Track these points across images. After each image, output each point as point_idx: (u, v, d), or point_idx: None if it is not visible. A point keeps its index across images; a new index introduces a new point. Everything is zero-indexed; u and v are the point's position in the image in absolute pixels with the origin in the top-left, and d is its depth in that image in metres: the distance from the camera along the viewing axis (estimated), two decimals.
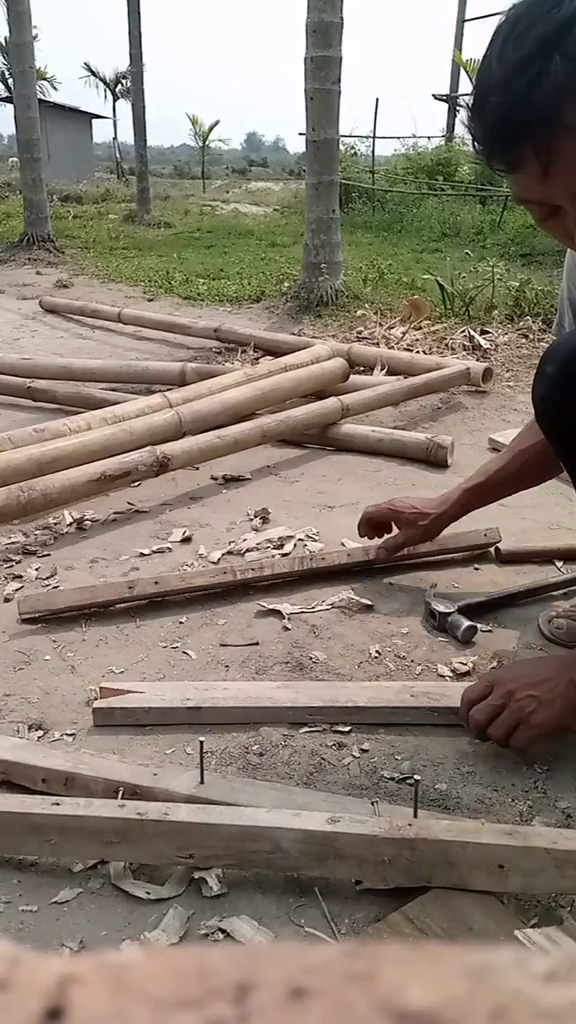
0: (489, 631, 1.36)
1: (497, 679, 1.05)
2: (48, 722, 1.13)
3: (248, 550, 1.65)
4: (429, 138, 12.70)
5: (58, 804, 0.87)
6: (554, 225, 0.89)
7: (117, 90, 29.59)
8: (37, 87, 8.42)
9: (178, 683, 1.21)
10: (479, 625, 1.34)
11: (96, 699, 1.14)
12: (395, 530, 1.51)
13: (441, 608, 1.36)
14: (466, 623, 1.32)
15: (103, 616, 1.41)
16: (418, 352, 3.23)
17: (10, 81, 10.07)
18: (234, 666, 1.27)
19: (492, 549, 1.61)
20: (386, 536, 1.52)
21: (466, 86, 11.54)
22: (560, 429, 1.08)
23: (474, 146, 0.86)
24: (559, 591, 1.47)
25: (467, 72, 11.31)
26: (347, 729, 1.10)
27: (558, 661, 1.08)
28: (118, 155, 26.82)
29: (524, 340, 3.54)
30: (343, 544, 1.68)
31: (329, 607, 1.43)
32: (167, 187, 17.98)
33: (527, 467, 1.33)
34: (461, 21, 14.09)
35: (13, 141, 10.34)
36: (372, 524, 1.51)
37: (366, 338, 3.56)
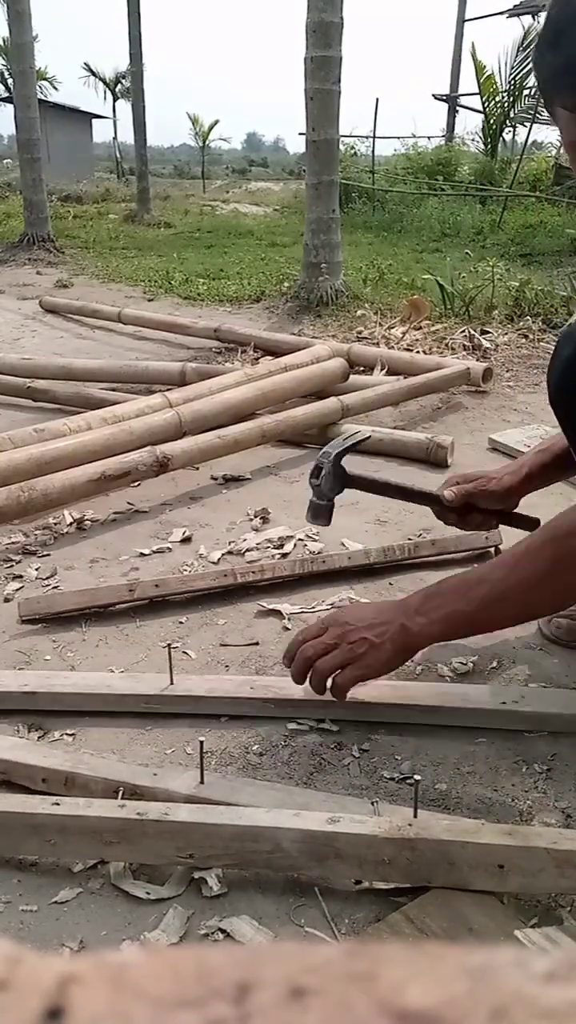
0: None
1: (333, 619, 1.05)
2: (48, 722, 1.13)
3: (248, 550, 1.65)
4: (429, 138, 12.72)
5: (58, 804, 0.87)
6: None
7: (117, 90, 29.59)
8: (37, 87, 8.42)
9: (20, 672, 1.23)
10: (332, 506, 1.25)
11: None
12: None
13: (330, 450, 1.24)
14: (316, 503, 1.23)
15: (103, 616, 1.41)
16: (418, 352, 3.23)
17: (10, 81, 10.07)
18: (234, 666, 1.27)
19: (492, 550, 1.61)
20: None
21: (466, 86, 11.56)
22: (573, 411, 1.08)
23: (539, 80, 0.88)
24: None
25: (478, 74, 11.25)
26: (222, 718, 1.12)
27: (394, 605, 1.06)
28: (118, 155, 26.81)
29: (524, 340, 3.54)
30: (343, 544, 1.68)
31: (329, 607, 1.43)
32: (167, 187, 17.98)
33: None
34: (461, 21, 14.10)
35: (13, 141, 10.34)
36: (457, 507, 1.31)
37: (366, 338, 3.56)
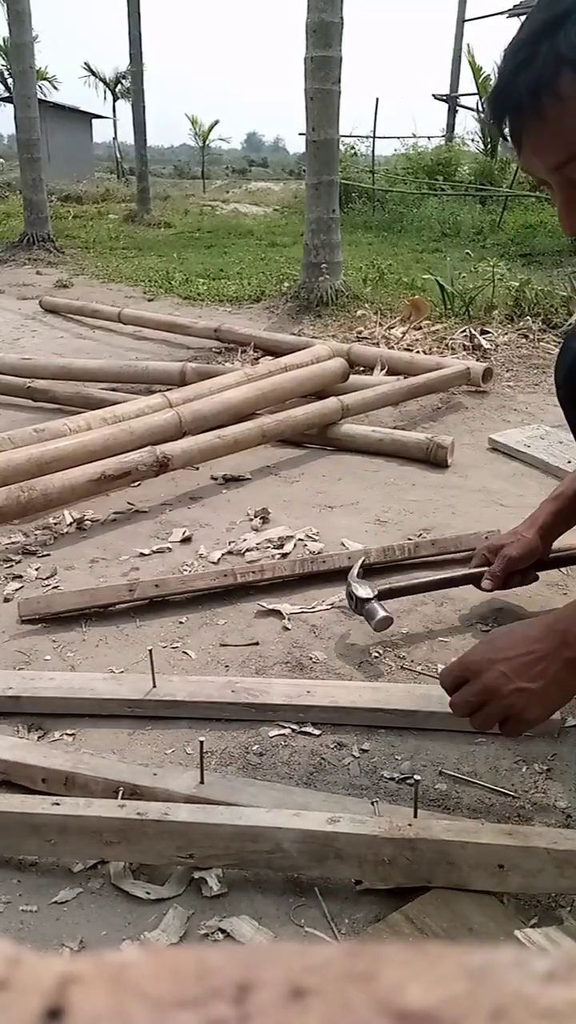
0: (487, 630, 1.35)
1: (473, 668, 0.89)
2: (47, 723, 1.13)
3: (248, 550, 1.65)
4: (429, 138, 12.71)
5: (58, 804, 0.87)
6: (551, 196, 0.91)
7: (117, 90, 29.57)
8: (37, 87, 8.42)
9: (5, 673, 1.23)
10: (394, 616, 1.30)
11: None
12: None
13: (361, 593, 1.30)
14: (381, 614, 1.26)
15: (103, 616, 1.41)
16: (418, 352, 3.23)
17: (10, 81, 10.07)
18: (234, 666, 1.27)
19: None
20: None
21: (465, 86, 11.56)
22: None
23: (479, 109, 0.92)
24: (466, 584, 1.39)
25: (475, 74, 11.28)
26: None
27: (546, 633, 0.88)
28: (118, 155, 26.81)
29: (524, 340, 3.54)
30: (343, 544, 1.68)
31: (329, 607, 1.43)
32: (167, 187, 17.98)
33: None
34: (461, 21, 14.11)
35: (13, 141, 10.34)
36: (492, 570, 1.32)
37: (366, 338, 3.56)
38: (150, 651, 1.13)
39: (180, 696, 1.12)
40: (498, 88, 0.85)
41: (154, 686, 1.13)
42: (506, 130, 0.87)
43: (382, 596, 1.31)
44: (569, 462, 2.07)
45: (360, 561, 1.44)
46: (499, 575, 1.30)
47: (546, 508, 1.33)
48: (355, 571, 1.38)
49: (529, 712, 0.86)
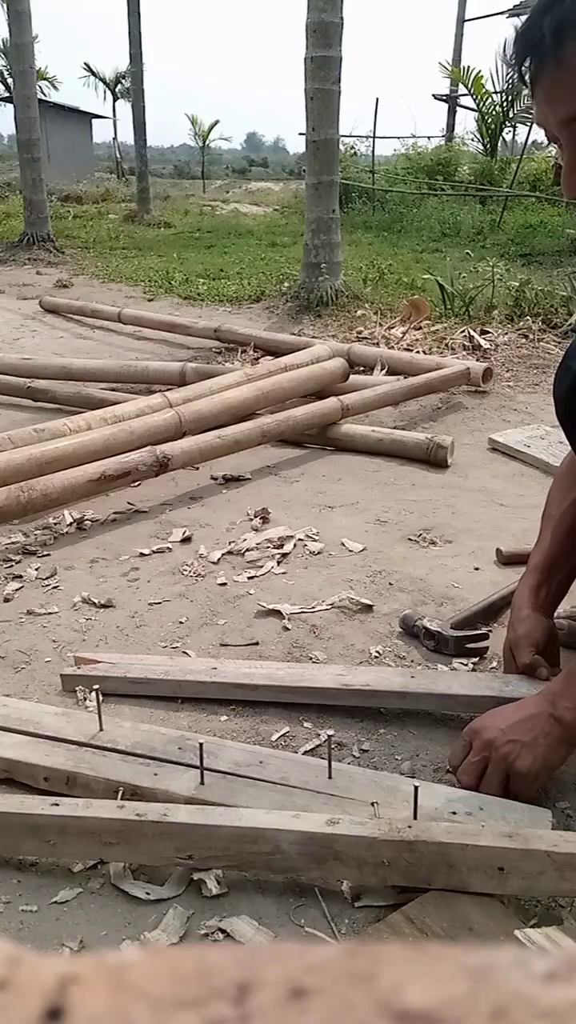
0: (489, 631, 1.35)
1: (475, 733, 0.99)
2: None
3: (248, 550, 1.65)
4: (429, 138, 12.71)
5: (57, 805, 0.87)
6: (560, 155, 0.90)
7: (117, 90, 29.57)
8: (37, 87, 8.42)
9: (152, 656, 1.24)
10: (471, 631, 1.33)
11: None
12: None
13: (435, 627, 1.32)
14: (455, 634, 1.31)
15: (103, 615, 1.41)
16: (418, 352, 3.23)
17: (10, 81, 10.07)
18: None
19: (494, 551, 1.61)
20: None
21: (465, 87, 11.54)
22: None
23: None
24: None
25: (462, 83, 11.33)
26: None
27: (534, 699, 1.00)
28: (118, 155, 26.81)
29: (524, 340, 3.54)
30: (343, 544, 1.68)
31: (329, 607, 1.43)
32: (167, 187, 17.98)
33: None
34: (461, 21, 14.10)
35: (13, 141, 10.34)
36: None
37: (366, 338, 3.56)
38: (96, 691, 1.05)
39: (123, 745, 1.02)
40: (523, 28, 0.85)
41: (100, 729, 1.05)
42: (527, 75, 0.86)
43: (456, 627, 1.33)
44: None
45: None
46: (538, 662, 1.16)
47: (527, 581, 1.21)
48: (414, 617, 1.36)
49: (522, 761, 0.94)
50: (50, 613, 1.42)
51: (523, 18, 0.88)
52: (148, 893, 0.85)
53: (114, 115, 30.07)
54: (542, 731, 0.95)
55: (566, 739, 0.96)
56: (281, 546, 1.67)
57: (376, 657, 1.29)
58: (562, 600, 1.21)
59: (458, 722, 1.13)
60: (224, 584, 1.52)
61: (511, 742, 0.94)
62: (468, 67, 11.12)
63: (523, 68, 0.86)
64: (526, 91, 0.91)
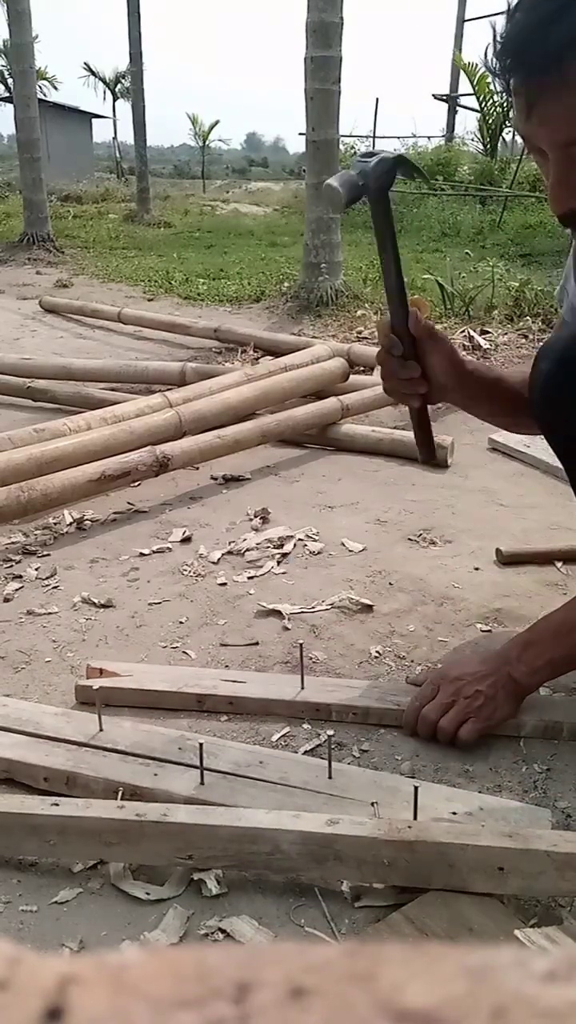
0: (488, 631, 1.36)
1: (442, 676, 1.09)
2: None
3: (248, 550, 1.65)
4: (429, 138, 12.74)
5: (57, 805, 0.87)
6: (540, 163, 0.86)
7: (117, 90, 29.59)
8: (37, 87, 8.42)
9: (167, 668, 1.23)
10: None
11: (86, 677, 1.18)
12: None
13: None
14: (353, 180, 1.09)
15: (103, 615, 1.41)
16: None
17: (10, 81, 10.07)
18: (234, 666, 1.27)
19: (494, 551, 1.61)
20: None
21: (466, 86, 11.56)
22: (556, 425, 1.08)
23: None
24: None
25: (467, 74, 11.33)
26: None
27: (496, 655, 1.09)
28: (118, 155, 26.83)
29: (524, 340, 3.54)
30: (343, 544, 1.68)
31: (329, 607, 1.43)
32: (167, 187, 17.98)
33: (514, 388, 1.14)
34: (461, 21, 14.09)
35: (13, 141, 10.35)
36: None
37: (366, 338, 3.56)
38: (97, 690, 1.06)
39: (123, 745, 1.02)
40: (516, 39, 0.75)
41: (100, 729, 1.04)
42: (512, 84, 0.78)
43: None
44: None
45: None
46: (428, 328, 1.08)
47: (486, 371, 1.18)
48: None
49: (483, 709, 1.04)
50: (50, 613, 1.42)
51: (508, 21, 0.78)
52: (148, 893, 0.85)
53: (114, 115, 30.10)
54: (502, 686, 1.05)
55: (516, 698, 1.07)
56: (281, 546, 1.67)
57: (376, 657, 1.29)
58: (471, 392, 1.13)
59: None
60: (224, 584, 1.52)
61: (478, 692, 1.05)
62: (474, 64, 11.12)
63: (510, 80, 0.79)
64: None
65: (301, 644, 1.15)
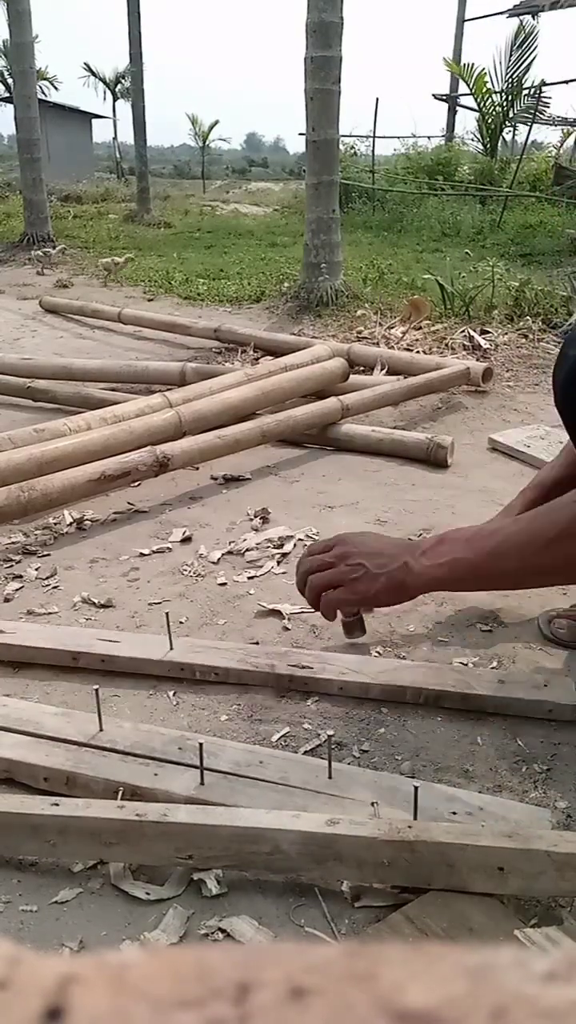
0: (488, 631, 1.36)
1: (341, 539, 1.08)
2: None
3: (248, 550, 1.65)
4: (429, 138, 12.70)
5: (57, 805, 0.87)
6: None
7: (117, 90, 29.56)
8: (37, 87, 8.42)
9: (47, 627, 1.28)
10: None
11: None
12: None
13: None
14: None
15: (103, 615, 1.41)
16: (418, 352, 3.23)
17: (10, 81, 10.07)
18: None
19: None
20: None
21: (466, 86, 11.54)
22: None
23: None
24: None
25: (463, 79, 11.33)
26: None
27: (405, 543, 1.08)
28: (118, 155, 26.81)
29: (524, 340, 3.54)
30: None
31: None
32: (167, 187, 17.96)
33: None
34: (461, 21, 14.08)
35: (13, 141, 10.35)
36: None
37: (366, 338, 3.56)
38: (96, 691, 1.05)
39: (122, 745, 1.02)
40: None
41: (101, 729, 1.05)
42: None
43: None
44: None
45: None
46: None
47: (527, 496, 1.30)
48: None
49: (357, 583, 1.03)
50: (50, 613, 1.42)
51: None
52: (148, 893, 0.85)
53: (114, 115, 30.08)
54: (388, 571, 1.03)
55: (404, 589, 1.04)
56: (281, 546, 1.67)
57: (376, 657, 1.29)
58: None
59: (460, 722, 1.13)
60: (224, 584, 1.52)
61: (360, 565, 1.04)
62: (471, 64, 11.12)
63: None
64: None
65: (167, 614, 1.19)
